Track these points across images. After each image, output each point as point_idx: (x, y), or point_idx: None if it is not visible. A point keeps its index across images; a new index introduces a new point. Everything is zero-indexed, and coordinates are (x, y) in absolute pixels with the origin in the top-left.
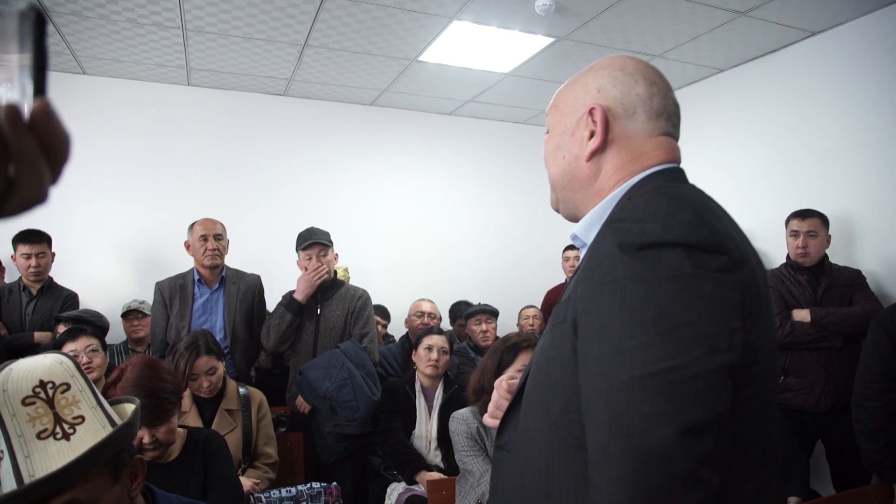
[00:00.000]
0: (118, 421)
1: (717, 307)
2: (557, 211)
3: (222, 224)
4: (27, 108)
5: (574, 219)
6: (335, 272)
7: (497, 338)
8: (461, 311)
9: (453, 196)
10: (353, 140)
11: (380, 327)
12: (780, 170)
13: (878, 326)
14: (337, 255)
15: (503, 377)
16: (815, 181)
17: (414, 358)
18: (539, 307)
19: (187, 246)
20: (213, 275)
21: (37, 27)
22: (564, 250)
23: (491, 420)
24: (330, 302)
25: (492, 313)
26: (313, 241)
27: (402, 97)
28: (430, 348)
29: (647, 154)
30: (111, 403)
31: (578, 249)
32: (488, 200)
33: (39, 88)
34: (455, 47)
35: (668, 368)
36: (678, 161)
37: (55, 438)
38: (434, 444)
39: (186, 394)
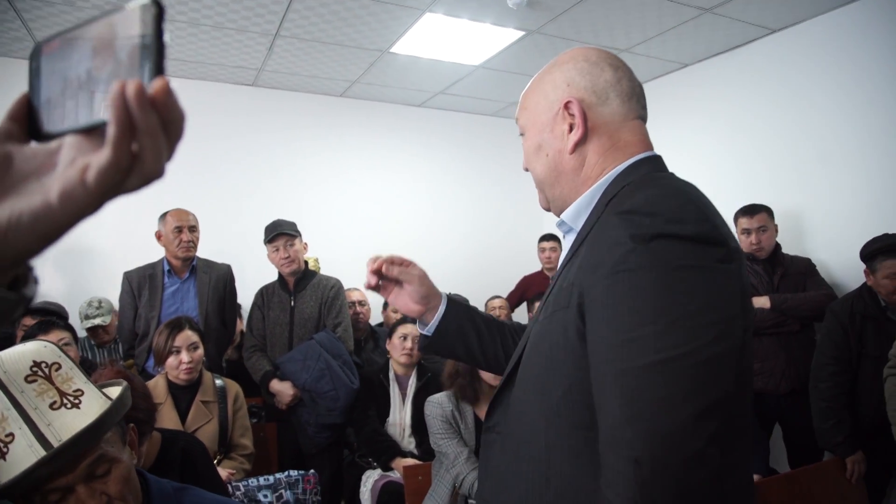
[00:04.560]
0: (109, 395)
1: (722, 295)
2: (548, 210)
3: (195, 215)
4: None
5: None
6: (306, 262)
7: None
8: None
9: (422, 187)
10: (322, 131)
11: None
12: (733, 165)
13: (830, 315)
14: (306, 244)
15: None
16: (765, 175)
17: (388, 346)
18: (504, 297)
19: (158, 236)
20: (184, 265)
21: (157, 16)
22: (540, 241)
23: (371, 279)
24: (303, 293)
25: None
26: (278, 232)
27: (372, 88)
28: (404, 337)
29: (627, 141)
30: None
31: (562, 237)
32: (456, 192)
33: (159, 69)
34: (427, 39)
35: (681, 355)
36: (652, 147)
37: (66, 408)
38: (408, 431)
39: (162, 384)
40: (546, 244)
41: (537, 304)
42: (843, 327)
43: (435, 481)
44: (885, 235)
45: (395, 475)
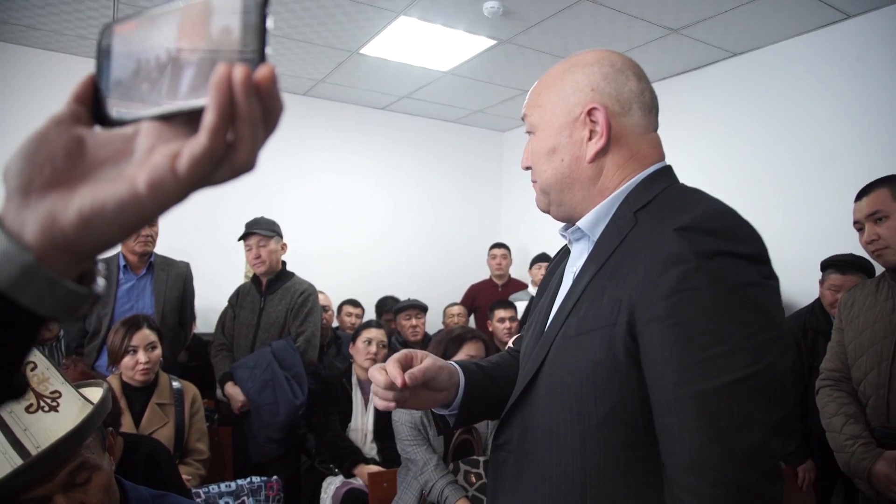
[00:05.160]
0: (87, 397)
1: (776, 312)
2: (546, 212)
3: None
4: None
5: (569, 219)
6: (284, 263)
7: (426, 333)
8: (388, 306)
9: (383, 190)
10: (282, 129)
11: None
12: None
13: None
14: (285, 245)
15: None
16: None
17: (352, 351)
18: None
19: None
20: (140, 261)
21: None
22: (491, 248)
23: (382, 403)
24: (273, 295)
25: (421, 308)
26: (249, 231)
27: (337, 89)
28: (368, 341)
29: (645, 153)
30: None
31: (568, 243)
32: (418, 196)
33: (262, 55)
34: (398, 42)
35: (753, 373)
36: (664, 157)
37: (44, 411)
38: (370, 437)
39: (115, 385)
40: (497, 251)
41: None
42: (795, 341)
43: (401, 489)
44: (849, 254)
45: (358, 482)
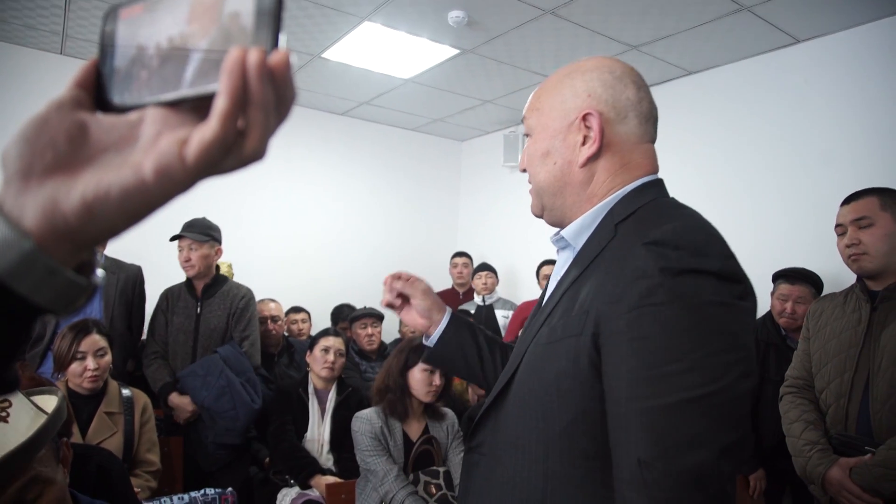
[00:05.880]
0: (40, 405)
1: (743, 333)
2: (539, 217)
3: None
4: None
5: (559, 225)
6: (217, 267)
7: (382, 342)
8: (343, 314)
9: (337, 197)
10: None
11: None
12: None
13: None
14: (220, 249)
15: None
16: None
17: (308, 359)
18: None
19: None
20: None
21: None
22: (453, 257)
23: (388, 296)
24: (211, 301)
25: (377, 317)
26: (181, 234)
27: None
28: (326, 350)
29: (638, 163)
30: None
31: (556, 252)
32: (373, 204)
33: (276, 40)
34: (361, 48)
35: (708, 393)
36: (658, 170)
37: None
38: (326, 447)
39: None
40: (459, 260)
41: (525, 323)
42: None
43: (360, 500)
44: (802, 268)
45: (314, 493)
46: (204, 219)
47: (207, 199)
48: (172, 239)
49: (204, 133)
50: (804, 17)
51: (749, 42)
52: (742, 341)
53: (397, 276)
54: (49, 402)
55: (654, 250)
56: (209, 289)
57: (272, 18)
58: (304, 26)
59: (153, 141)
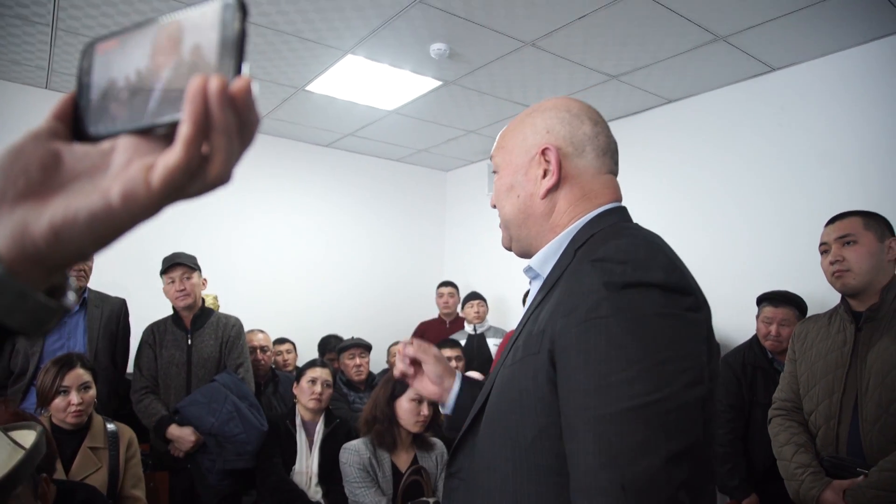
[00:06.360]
0: (18, 440)
1: (691, 343)
2: (509, 249)
3: None
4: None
5: (527, 255)
6: (203, 300)
7: (370, 373)
8: (331, 345)
9: (323, 229)
10: None
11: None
12: None
13: (725, 365)
14: (205, 280)
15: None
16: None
17: (295, 391)
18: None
19: None
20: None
21: (241, 15)
22: (439, 287)
23: (402, 365)
24: (201, 331)
25: (365, 347)
26: (175, 263)
27: (280, 125)
28: (313, 381)
29: (597, 192)
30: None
31: (529, 283)
32: (359, 235)
33: (238, 68)
34: (344, 80)
35: (653, 401)
36: (621, 199)
37: None
38: (315, 479)
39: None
40: (444, 290)
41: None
42: (736, 377)
43: None
44: (785, 291)
45: None
46: (182, 252)
47: (194, 230)
48: (166, 271)
49: (168, 158)
50: (778, 46)
51: (725, 71)
52: (689, 351)
53: (410, 343)
54: (27, 437)
55: (598, 266)
56: (198, 320)
57: (235, 48)
58: (288, 59)
59: (123, 167)
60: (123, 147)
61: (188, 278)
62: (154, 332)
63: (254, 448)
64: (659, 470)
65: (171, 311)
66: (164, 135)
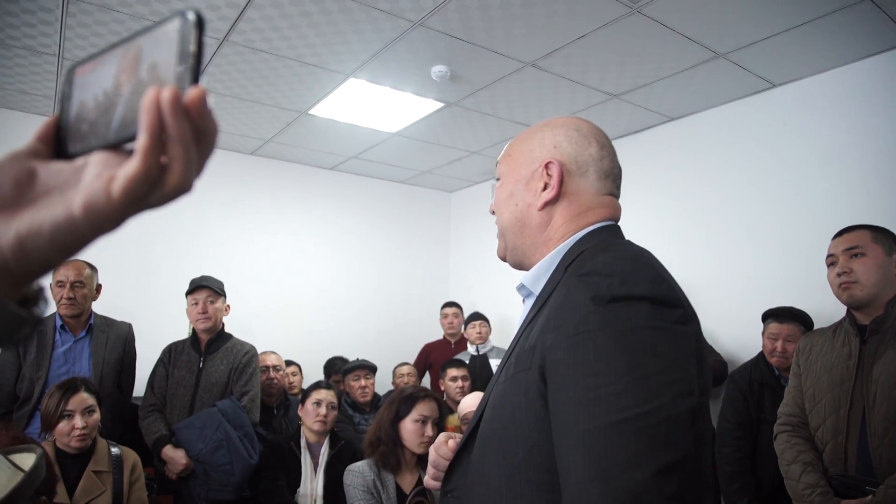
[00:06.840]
0: (19, 464)
1: (679, 355)
2: (504, 259)
3: (91, 268)
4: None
5: (521, 266)
6: (223, 325)
7: (376, 394)
8: (336, 367)
9: (328, 251)
10: (230, 189)
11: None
12: None
13: (731, 383)
14: (228, 306)
15: (442, 436)
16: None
17: (300, 413)
18: (412, 364)
19: (49, 287)
20: (77, 322)
21: (198, 29)
22: (443, 307)
23: (433, 482)
24: (214, 355)
25: (370, 369)
26: (200, 285)
27: (284, 148)
28: (318, 403)
29: (593, 210)
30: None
31: (521, 301)
32: (364, 257)
33: (195, 79)
34: (347, 104)
35: (641, 414)
36: (618, 218)
37: None
38: (319, 502)
39: (48, 451)
40: (449, 310)
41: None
42: (743, 394)
43: None
44: (790, 307)
45: None
46: (210, 275)
47: (198, 253)
48: (191, 292)
49: (127, 169)
50: (779, 62)
51: (727, 88)
52: (678, 363)
53: (436, 448)
54: (27, 461)
55: (585, 280)
56: (213, 343)
57: (192, 61)
58: (290, 84)
59: (92, 180)
60: (95, 162)
61: (212, 302)
62: (172, 351)
63: (238, 480)
64: (648, 483)
65: (179, 335)
66: (132, 150)
